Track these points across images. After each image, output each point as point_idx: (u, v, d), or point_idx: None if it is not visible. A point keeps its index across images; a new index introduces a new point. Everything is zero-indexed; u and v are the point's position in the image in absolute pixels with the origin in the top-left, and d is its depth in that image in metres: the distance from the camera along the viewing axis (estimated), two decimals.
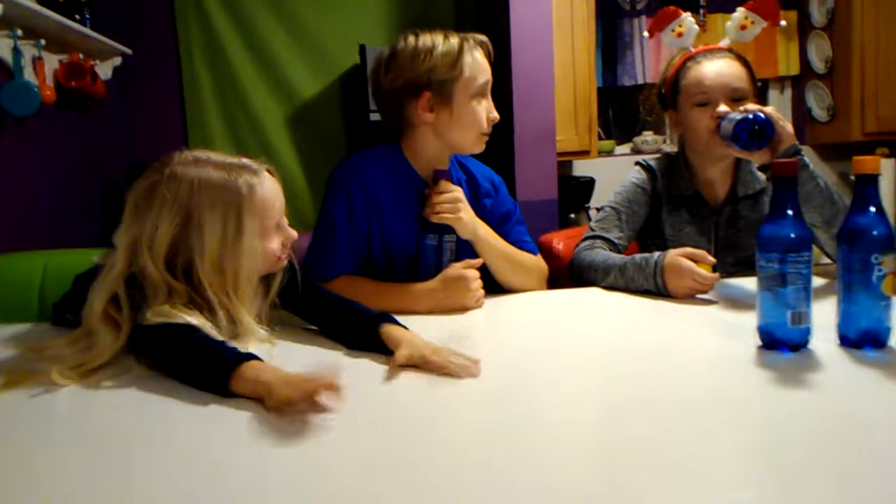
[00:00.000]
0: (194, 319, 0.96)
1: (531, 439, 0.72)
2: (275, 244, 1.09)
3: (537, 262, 1.51)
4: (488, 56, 1.40)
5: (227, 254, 1.01)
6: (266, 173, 1.09)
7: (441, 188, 1.34)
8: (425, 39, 1.35)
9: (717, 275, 1.30)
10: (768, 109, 1.32)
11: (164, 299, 0.98)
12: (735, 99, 1.46)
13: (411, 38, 1.36)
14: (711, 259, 1.30)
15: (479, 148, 1.41)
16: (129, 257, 1.00)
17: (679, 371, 0.93)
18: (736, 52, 1.53)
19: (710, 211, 1.58)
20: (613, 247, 1.54)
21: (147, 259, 0.99)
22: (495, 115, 1.40)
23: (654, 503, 0.57)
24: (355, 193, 1.37)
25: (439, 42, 1.34)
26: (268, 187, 1.07)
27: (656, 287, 1.33)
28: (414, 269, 1.40)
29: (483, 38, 1.40)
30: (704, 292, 1.31)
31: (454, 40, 1.35)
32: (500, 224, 1.48)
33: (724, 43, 1.55)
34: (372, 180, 1.38)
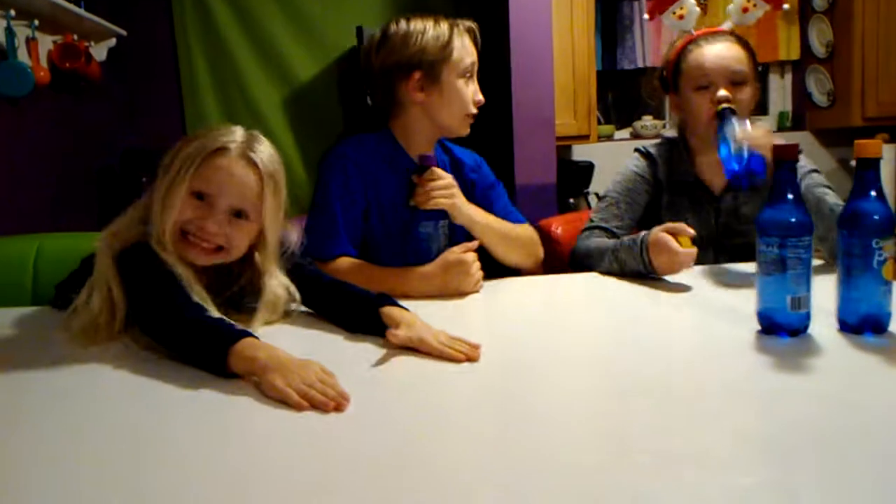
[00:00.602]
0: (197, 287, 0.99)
1: (530, 424, 0.72)
2: (189, 210, 1.04)
3: (529, 232, 1.53)
4: (475, 42, 1.45)
5: (169, 187, 1.04)
6: (237, 157, 1.06)
7: (433, 175, 1.35)
8: (416, 23, 1.40)
9: (694, 249, 1.28)
10: (758, 133, 1.29)
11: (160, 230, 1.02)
12: (735, 82, 1.45)
13: (402, 22, 1.41)
14: (690, 231, 1.29)
15: (465, 130, 1.45)
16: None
17: (678, 355, 0.93)
18: (737, 36, 1.51)
19: (711, 197, 1.57)
20: (613, 236, 1.53)
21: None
22: (480, 97, 1.45)
23: (654, 488, 0.57)
24: (352, 174, 1.39)
25: (430, 26, 1.40)
26: (224, 162, 1.05)
27: (644, 266, 1.32)
28: (413, 247, 1.41)
29: (471, 24, 1.45)
30: (686, 266, 1.30)
31: (444, 25, 1.41)
32: (485, 194, 1.51)
33: (727, 26, 1.54)
34: (366, 161, 1.41)
